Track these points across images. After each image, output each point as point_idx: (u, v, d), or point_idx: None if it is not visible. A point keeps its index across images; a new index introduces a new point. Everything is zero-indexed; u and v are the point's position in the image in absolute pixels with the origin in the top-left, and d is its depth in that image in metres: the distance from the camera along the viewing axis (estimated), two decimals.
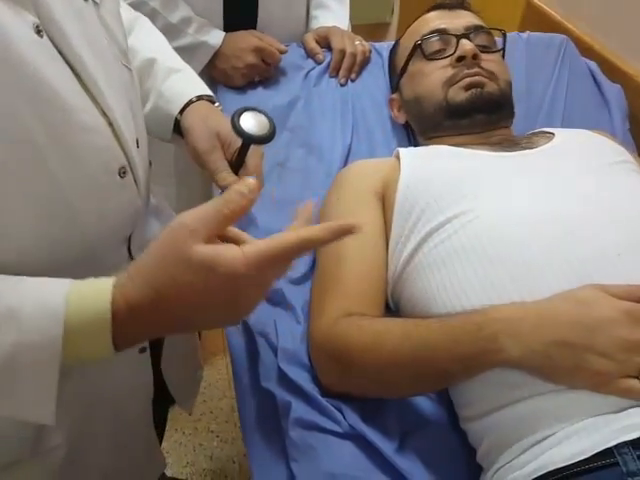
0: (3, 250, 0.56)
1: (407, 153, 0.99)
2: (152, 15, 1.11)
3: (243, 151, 0.80)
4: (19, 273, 0.55)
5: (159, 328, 0.59)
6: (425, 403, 0.82)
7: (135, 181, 0.71)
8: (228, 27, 1.22)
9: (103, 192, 0.65)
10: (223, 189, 0.77)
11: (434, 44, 1.09)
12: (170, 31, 0.99)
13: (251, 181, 0.56)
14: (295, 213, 0.62)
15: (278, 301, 0.93)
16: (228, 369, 1.92)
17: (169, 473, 1.63)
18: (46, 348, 0.52)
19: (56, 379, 0.53)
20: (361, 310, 0.83)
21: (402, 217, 0.90)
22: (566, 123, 1.22)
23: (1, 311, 0.51)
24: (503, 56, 1.14)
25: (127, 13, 0.90)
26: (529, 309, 0.71)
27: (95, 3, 0.68)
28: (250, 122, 0.76)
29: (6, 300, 0.52)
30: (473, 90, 1.02)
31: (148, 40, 0.92)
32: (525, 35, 1.36)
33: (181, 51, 0.97)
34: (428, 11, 1.16)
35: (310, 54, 1.29)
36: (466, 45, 1.04)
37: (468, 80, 1.03)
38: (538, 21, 1.59)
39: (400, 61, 1.16)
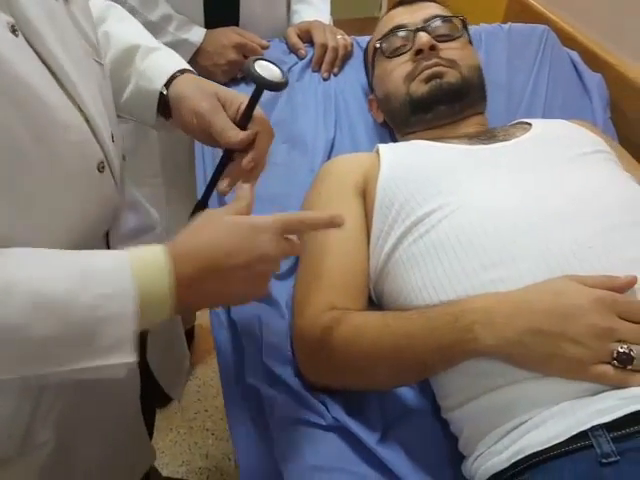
0: None
1: (386, 149, 1.00)
2: (131, 13, 1.10)
3: (253, 100, 0.77)
4: None
5: (212, 288, 0.65)
6: (407, 394, 0.83)
7: (112, 175, 0.72)
8: (209, 24, 1.22)
9: (84, 187, 0.66)
10: (232, 147, 0.77)
11: (394, 41, 1.10)
12: (150, 29, 0.98)
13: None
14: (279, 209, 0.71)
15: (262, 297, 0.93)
16: None
17: (165, 473, 1.63)
18: (120, 299, 0.57)
19: (132, 327, 0.58)
20: (344, 304, 0.84)
21: (382, 212, 0.91)
22: (547, 113, 1.23)
23: (75, 274, 0.57)
24: (471, 42, 1.13)
25: (99, 1, 0.90)
26: (503, 299, 0.71)
27: (65, 1, 0.68)
28: (263, 70, 0.75)
29: (80, 263, 0.58)
30: (433, 82, 1.03)
31: (123, 26, 0.91)
32: (506, 26, 1.36)
33: None
34: (392, 8, 1.17)
35: (292, 49, 1.29)
36: (422, 38, 1.04)
37: (427, 72, 1.03)
38: (521, 12, 1.59)
39: (369, 62, 1.19)
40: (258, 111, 0.79)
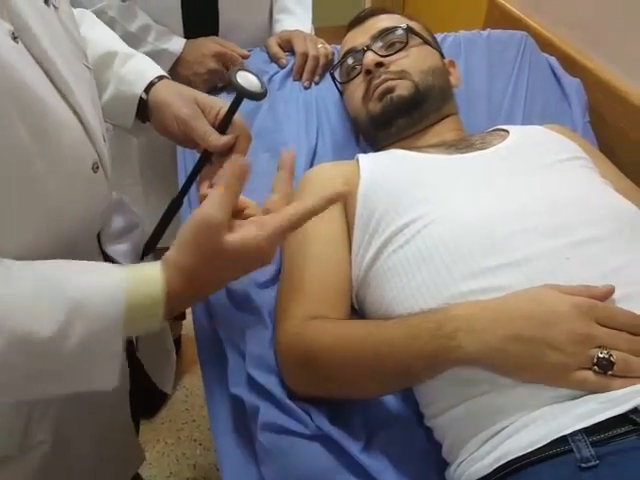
0: None
1: (366, 159, 1.01)
2: (111, 24, 1.11)
3: (233, 108, 0.79)
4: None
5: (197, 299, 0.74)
6: (391, 401, 0.83)
7: (105, 175, 0.74)
8: (189, 34, 1.23)
9: (80, 188, 0.69)
10: (213, 150, 0.79)
11: (347, 66, 1.13)
12: (130, 40, 0.99)
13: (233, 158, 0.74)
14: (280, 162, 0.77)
15: (245, 306, 0.93)
16: None
17: None
18: (110, 331, 0.60)
19: (120, 351, 0.61)
20: (326, 313, 0.84)
21: (363, 223, 0.91)
22: (527, 118, 1.24)
23: (69, 304, 0.58)
24: (428, 43, 1.13)
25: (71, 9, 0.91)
26: (485, 306, 0.72)
27: (55, 7, 0.70)
28: (244, 79, 0.77)
29: (70, 292, 0.59)
30: (385, 98, 1.04)
31: (98, 32, 0.94)
32: (485, 33, 1.38)
33: None
34: (346, 31, 1.19)
35: (273, 58, 1.29)
36: (366, 58, 1.06)
37: (379, 90, 1.04)
38: (500, 18, 1.60)
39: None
40: (236, 117, 0.81)
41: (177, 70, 1.20)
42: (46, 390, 0.62)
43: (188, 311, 1.05)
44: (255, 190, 1.06)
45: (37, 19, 0.64)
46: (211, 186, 0.78)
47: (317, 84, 1.28)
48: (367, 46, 1.08)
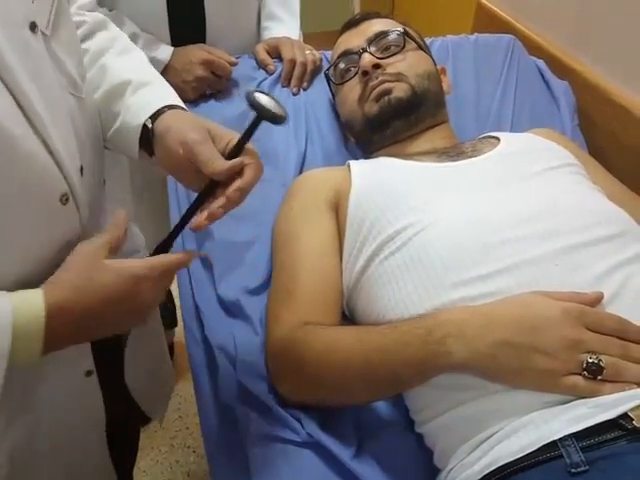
0: None
1: (357, 166, 1.01)
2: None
3: (250, 131, 0.73)
4: None
5: (81, 328, 0.66)
6: (382, 408, 0.83)
7: (77, 208, 0.71)
8: (176, 42, 1.22)
9: (43, 218, 0.67)
10: (216, 177, 0.73)
11: (342, 67, 1.12)
12: None
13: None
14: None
15: (236, 313, 0.93)
16: None
17: None
18: None
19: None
20: (316, 319, 0.84)
21: (354, 230, 0.91)
22: (516, 122, 1.24)
23: None
24: (422, 48, 1.13)
25: (105, 33, 0.90)
26: (475, 311, 0.72)
27: (44, 35, 0.69)
28: (263, 100, 0.72)
29: None
30: (382, 100, 1.04)
31: (122, 60, 0.90)
32: (473, 37, 1.38)
33: None
34: (339, 34, 1.19)
35: (261, 65, 1.29)
36: (364, 59, 1.06)
37: (375, 92, 1.04)
38: (488, 22, 1.61)
39: (330, 89, 1.22)
40: (249, 145, 0.76)
41: (165, 78, 1.19)
42: None
43: (180, 317, 1.04)
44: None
45: (14, 48, 0.62)
46: (210, 219, 0.73)
47: (305, 90, 1.28)
48: (363, 48, 1.08)
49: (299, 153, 1.17)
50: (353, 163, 1.02)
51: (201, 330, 0.93)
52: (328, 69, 1.17)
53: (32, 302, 0.61)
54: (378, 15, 1.18)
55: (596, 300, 0.71)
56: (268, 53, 1.30)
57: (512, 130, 1.22)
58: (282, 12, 1.40)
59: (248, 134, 0.73)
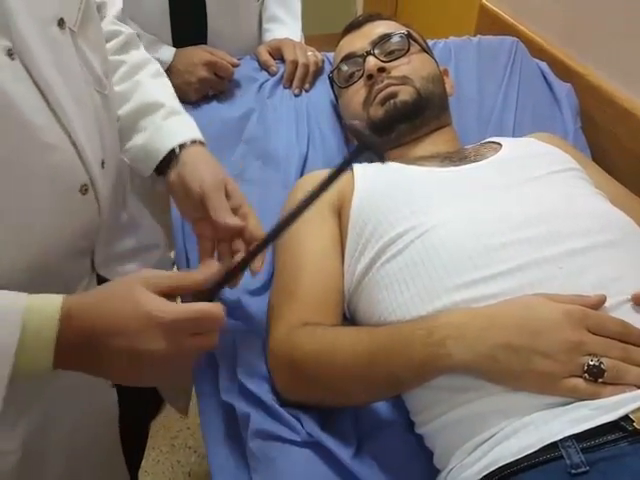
0: None
1: (360, 170, 1.00)
2: None
3: (351, 159, 0.71)
4: None
5: (91, 357, 0.61)
6: (381, 408, 0.82)
7: (97, 199, 0.74)
8: (177, 43, 1.23)
9: (62, 206, 0.70)
10: (221, 228, 0.78)
11: (346, 71, 1.12)
12: None
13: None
14: None
15: (237, 313, 0.93)
16: None
17: None
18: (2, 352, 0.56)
19: (5, 383, 0.56)
20: (318, 320, 0.84)
21: (356, 233, 0.91)
22: (518, 124, 1.24)
23: None
24: (426, 50, 1.13)
25: (139, 52, 0.96)
26: (476, 313, 0.72)
27: (72, 31, 0.73)
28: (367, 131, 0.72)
29: None
30: (388, 103, 1.04)
31: (156, 83, 0.95)
32: (476, 39, 1.38)
33: None
34: (341, 36, 1.19)
35: (263, 66, 1.30)
36: (369, 63, 1.06)
37: (381, 95, 1.04)
38: (491, 24, 1.61)
39: (333, 92, 1.22)
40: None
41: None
42: None
43: None
44: (247, 196, 1.07)
45: (42, 41, 0.65)
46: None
47: (307, 91, 1.28)
48: (367, 51, 1.08)
49: (300, 155, 1.17)
50: (356, 166, 1.02)
51: None
52: (332, 72, 1.17)
53: (49, 298, 0.60)
54: (381, 17, 1.18)
55: (598, 303, 0.71)
56: (270, 54, 1.30)
57: (514, 132, 1.23)
58: (284, 14, 1.41)
59: (348, 162, 0.71)
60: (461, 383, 0.70)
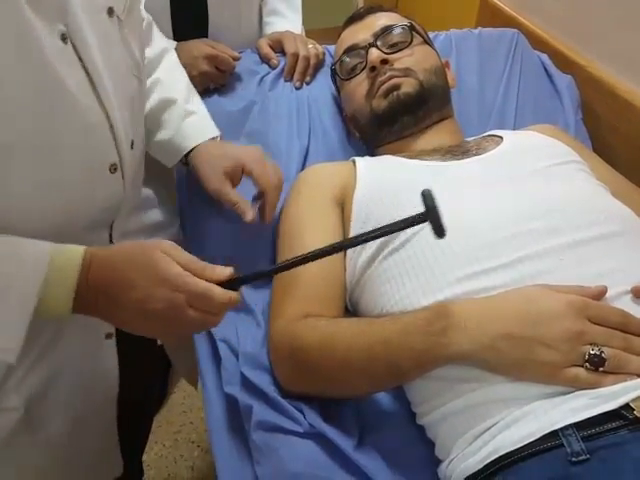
0: (6, 212, 0.66)
1: (362, 163, 1.01)
2: None
3: (406, 225, 0.68)
4: (13, 232, 0.65)
5: (106, 305, 0.67)
6: (384, 399, 0.83)
7: (123, 177, 0.79)
8: (178, 37, 1.22)
9: (92, 182, 0.74)
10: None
11: (348, 63, 1.12)
12: None
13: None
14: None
15: (239, 306, 0.93)
16: None
17: None
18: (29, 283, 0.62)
19: (29, 317, 0.61)
20: (319, 312, 0.84)
21: (358, 226, 0.92)
22: (519, 116, 1.24)
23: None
24: (427, 42, 1.13)
25: (156, 44, 1.04)
26: (477, 304, 0.72)
27: (120, 20, 0.78)
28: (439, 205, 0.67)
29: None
30: (391, 95, 1.03)
31: (174, 77, 1.05)
32: (477, 31, 1.38)
33: None
34: (343, 28, 1.18)
35: (264, 59, 1.29)
36: (372, 55, 1.05)
37: (384, 87, 1.04)
38: (492, 16, 1.61)
39: (335, 84, 1.22)
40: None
41: None
42: None
43: None
44: (248, 190, 1.07)
45: (93, 26, 0.70)
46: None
47: (308, 84, 1.28)
48: (370, 43, 1.07)
49: (301, 148, 1.17)
50: (359, 159, 1.02)
51: None
52: (334, 64, 1.17)
53: (73, 246, 0.66)
54: (382, 9, 1.17)
55: (599, 294, 0.71)
56: (271, 47, 1.30)
57: (515, 124, 1.23)
58: (284, 7, 1.41)
59: (402, 227, 0.68)
60: (462, 373, 0.71)
